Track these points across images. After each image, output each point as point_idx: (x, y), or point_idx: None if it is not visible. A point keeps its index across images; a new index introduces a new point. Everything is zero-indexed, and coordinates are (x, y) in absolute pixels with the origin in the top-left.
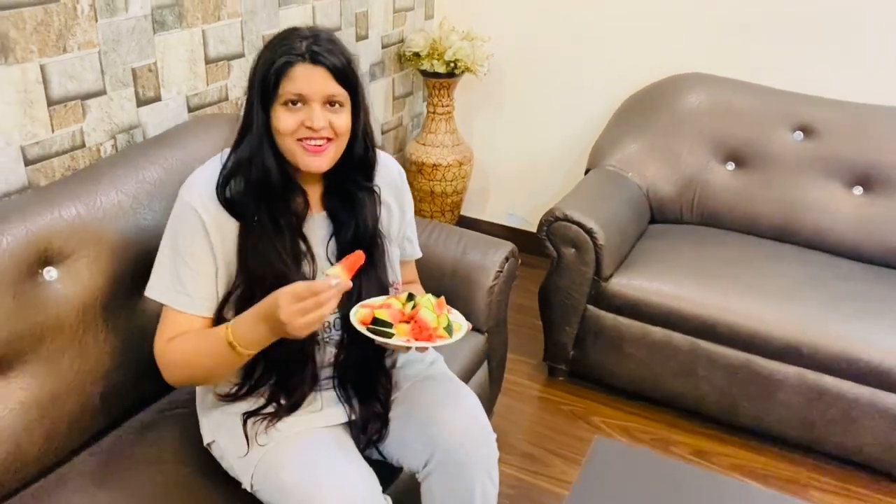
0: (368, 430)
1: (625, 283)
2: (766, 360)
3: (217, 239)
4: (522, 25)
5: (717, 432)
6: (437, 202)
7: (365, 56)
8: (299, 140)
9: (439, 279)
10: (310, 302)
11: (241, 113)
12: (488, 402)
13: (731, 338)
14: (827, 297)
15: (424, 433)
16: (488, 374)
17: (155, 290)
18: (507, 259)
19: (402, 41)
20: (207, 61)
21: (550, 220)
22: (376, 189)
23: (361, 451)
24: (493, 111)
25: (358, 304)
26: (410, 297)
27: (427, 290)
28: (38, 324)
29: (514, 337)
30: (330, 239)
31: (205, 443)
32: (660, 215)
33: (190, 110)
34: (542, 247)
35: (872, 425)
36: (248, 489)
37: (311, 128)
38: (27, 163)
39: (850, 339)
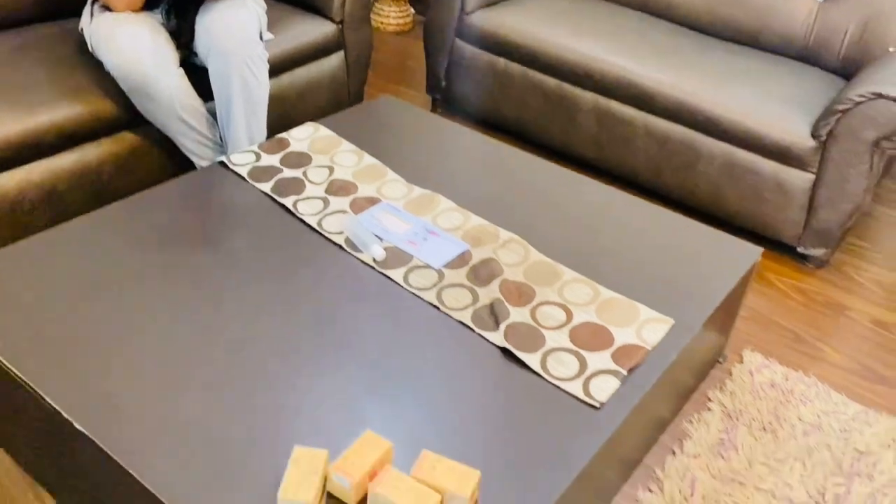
0: (180, 39)
1: (481, 17)
2: (572, 87)
3: None
4: None
5: (560, 164)
6: None
7: None
8: None
9: None
10: None
11: None
12: (345, 96)
13: (548, 66)
14: (655, 48)
15: (204, 26)
16: (346, 67)
17: None
18: None
19: None
20: None
21: None
22: None
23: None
24: None
25: None
26: None
27: None
28: None
29: (417, 76)
30: None
31: (79, 28)
32: None
33: None
34: None
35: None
36: (90, 50)
37: None
38: None
39: (636, 71)
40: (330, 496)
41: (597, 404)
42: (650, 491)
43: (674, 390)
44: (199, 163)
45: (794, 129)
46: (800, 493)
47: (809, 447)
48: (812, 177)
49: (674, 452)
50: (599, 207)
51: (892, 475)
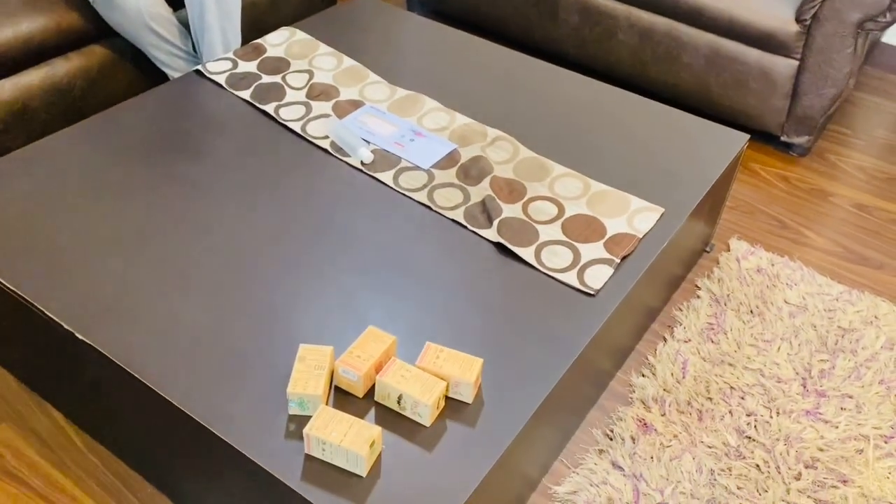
0: None
1: None
2: None
3: None
4: None
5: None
6: None
7: None
8: None
9: None
10: None
11: None
12: (317, 2)
13: None
14: None
15: None
16: None
17: None
18: None
19: None
20: None
21: None
22: None
23: None
24: None
25: None
26: None
27: None
28: None
29: None
30: None
31: None
32: None
33: None
34: None
35: (690, 62)
36: None
37: None
38: None
39: None
40: (337, 390)
41: (592, 292)
42: (643, 376)
43: (664, 278)
44: (173, 75)
45: (779, 15)
46: (787, 370)
47: (795, 327)
48: (796, 63)
49: (665, 339)
50: (585, 101)
51: (874, 350)
